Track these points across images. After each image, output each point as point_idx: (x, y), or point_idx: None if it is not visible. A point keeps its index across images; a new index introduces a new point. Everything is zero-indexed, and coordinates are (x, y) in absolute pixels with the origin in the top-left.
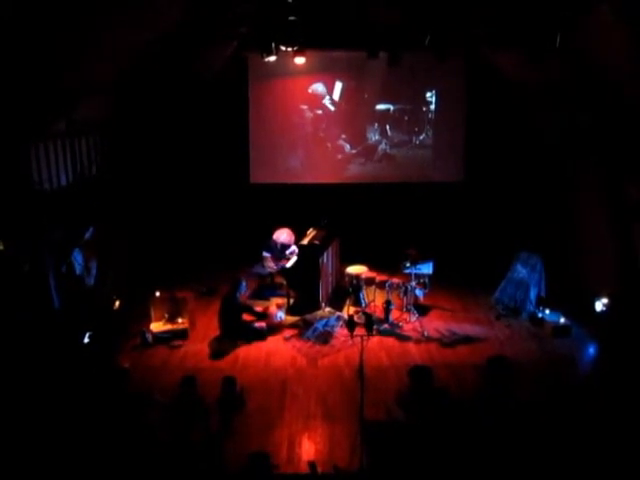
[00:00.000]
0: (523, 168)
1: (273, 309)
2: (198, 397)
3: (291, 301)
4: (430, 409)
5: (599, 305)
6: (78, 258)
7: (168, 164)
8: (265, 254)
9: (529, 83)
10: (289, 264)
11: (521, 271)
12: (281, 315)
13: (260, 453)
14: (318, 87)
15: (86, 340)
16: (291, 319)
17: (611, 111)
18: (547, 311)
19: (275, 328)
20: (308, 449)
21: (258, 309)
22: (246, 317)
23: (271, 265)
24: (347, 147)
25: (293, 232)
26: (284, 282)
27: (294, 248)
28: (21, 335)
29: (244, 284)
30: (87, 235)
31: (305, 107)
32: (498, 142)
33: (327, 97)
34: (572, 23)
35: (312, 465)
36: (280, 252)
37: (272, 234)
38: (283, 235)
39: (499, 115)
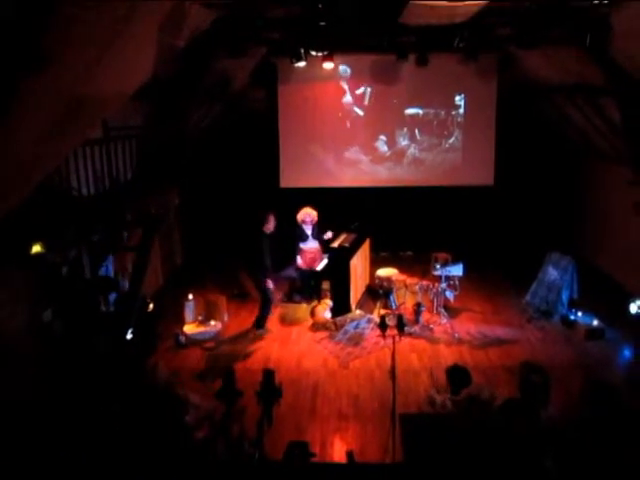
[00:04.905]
0: (553, 170)
1: (322, 308)
2: (238, 390)
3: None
4: (466, 407)
5: (634, 307)
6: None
7: (199, 170)
8: (301, 245)
9: (557, 85)
10: (319, 267)
11: (552, 273)
12: (328, 315)
13: (299, 441)
14: (346, 92)
15: (129, 336)
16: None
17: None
18: (579, 313)
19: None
20: (340, 447)
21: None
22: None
23: (311, 251)
24: (380, 150)
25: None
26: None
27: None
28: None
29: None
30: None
31: (333, 112)
32: (527, 144)
33: (356, 102)
34: (602, 22)
35: (350, 454)
36: (314, 231)
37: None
38: (305, 214)
39: (527, 118)
